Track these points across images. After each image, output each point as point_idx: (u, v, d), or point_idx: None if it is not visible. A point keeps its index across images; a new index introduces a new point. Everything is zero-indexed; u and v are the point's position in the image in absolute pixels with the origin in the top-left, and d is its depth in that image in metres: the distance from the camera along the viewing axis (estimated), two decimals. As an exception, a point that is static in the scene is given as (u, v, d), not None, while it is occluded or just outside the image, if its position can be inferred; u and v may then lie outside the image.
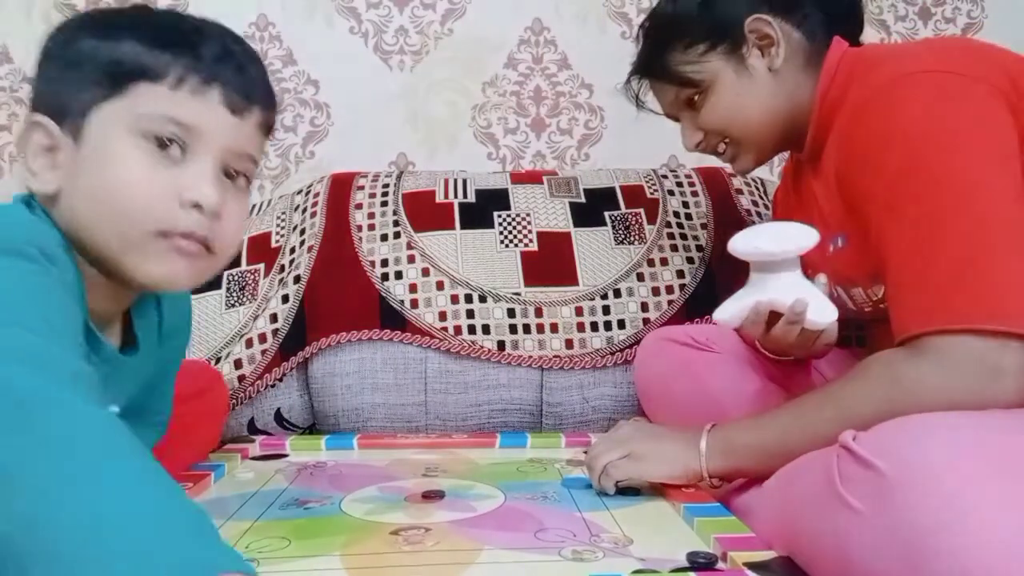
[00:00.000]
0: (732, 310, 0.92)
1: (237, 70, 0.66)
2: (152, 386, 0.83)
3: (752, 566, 0.63)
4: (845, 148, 0.84)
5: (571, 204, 1.38)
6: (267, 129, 0.71)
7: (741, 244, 0.91)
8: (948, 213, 0.72)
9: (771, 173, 1.65)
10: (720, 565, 0.67)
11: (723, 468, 0.83)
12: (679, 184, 1.42)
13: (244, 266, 1.34)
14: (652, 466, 0.84)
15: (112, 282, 0.67)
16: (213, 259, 0.67)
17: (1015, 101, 0.75)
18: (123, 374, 0.74)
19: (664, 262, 1.31)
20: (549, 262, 1.32)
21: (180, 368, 0.91)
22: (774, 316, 0.90)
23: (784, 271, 0.89)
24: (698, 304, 1.28)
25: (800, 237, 0.89)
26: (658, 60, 1.00)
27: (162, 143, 0.63)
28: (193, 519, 0.43)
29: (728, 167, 1.06)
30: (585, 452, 0.96)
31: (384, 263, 1.31)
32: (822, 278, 0.92)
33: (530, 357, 1.26)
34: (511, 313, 1.28)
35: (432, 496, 0.87)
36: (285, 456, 1.10)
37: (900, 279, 0.75)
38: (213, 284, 1.32)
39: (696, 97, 0.98)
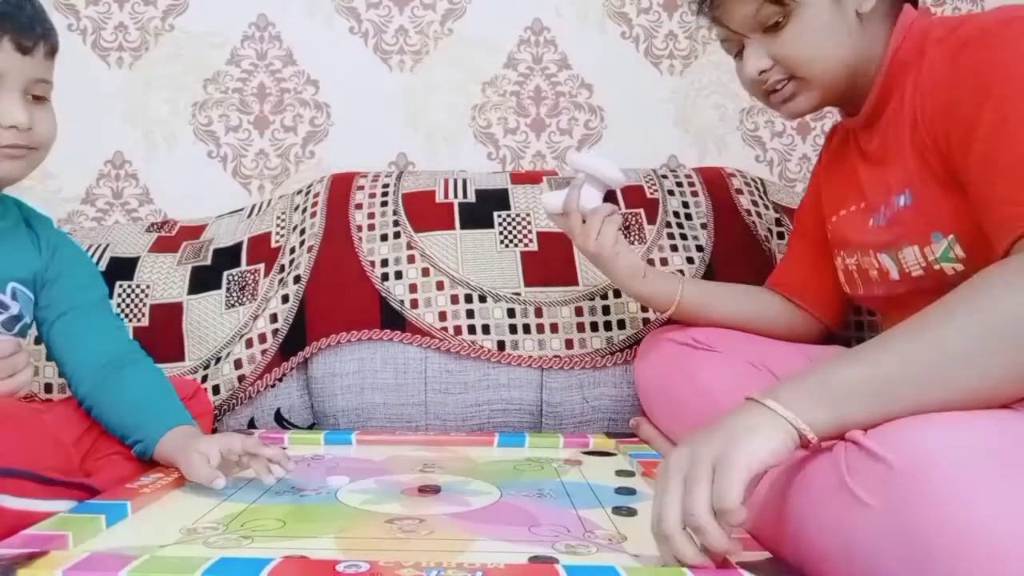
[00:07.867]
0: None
1: (19, 18, 0.87)
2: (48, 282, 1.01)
3: (745, 566, 0.63)
4: (943, 83, 0.80)
5: (571, 204, 1.38)
6: (53, 53, 0.92)
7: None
8: None
9: (771, 173, 1.65)
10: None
11: (831, 421, 0.63)
12: (679, 184, 1.42)
13: (244, 266, 1.35)
14: (737, 474, 0.60)
15: None
16: (36, 153, 0.92)
17: None
18: None
19: (664, 262, 1.31)
20: (549, 262, 1.32)
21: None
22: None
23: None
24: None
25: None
26: None
27: None
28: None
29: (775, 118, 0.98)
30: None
31: (384, 263, 1.31)
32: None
33: (530, 357, 1.26)
34: (511, 313, 1.28)
35: (428, 490, 0.88)
36: (283, 448, 1.11)
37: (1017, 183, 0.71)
38: (213, 284, 1.33)
39: (779, 20, 0.89)
